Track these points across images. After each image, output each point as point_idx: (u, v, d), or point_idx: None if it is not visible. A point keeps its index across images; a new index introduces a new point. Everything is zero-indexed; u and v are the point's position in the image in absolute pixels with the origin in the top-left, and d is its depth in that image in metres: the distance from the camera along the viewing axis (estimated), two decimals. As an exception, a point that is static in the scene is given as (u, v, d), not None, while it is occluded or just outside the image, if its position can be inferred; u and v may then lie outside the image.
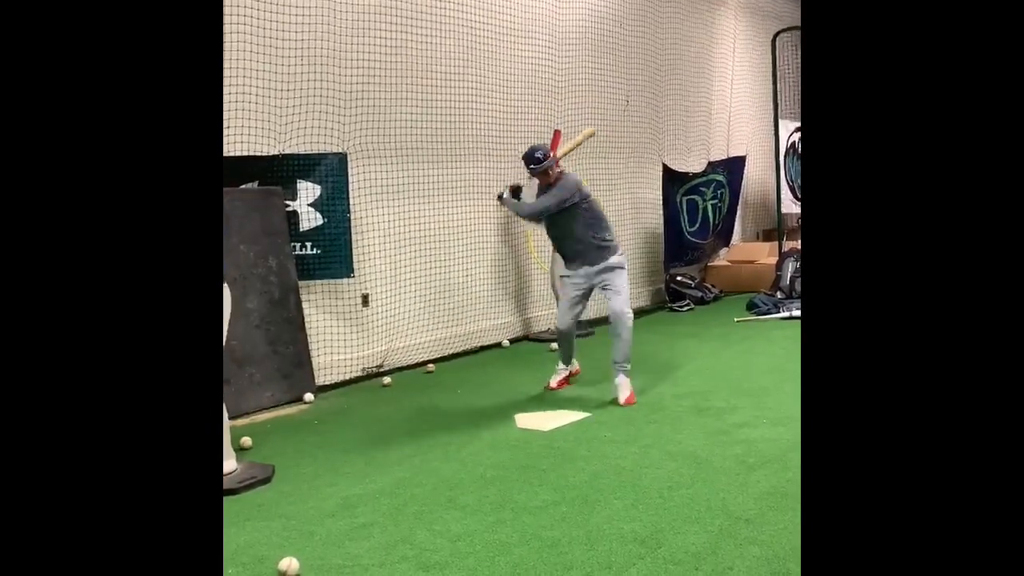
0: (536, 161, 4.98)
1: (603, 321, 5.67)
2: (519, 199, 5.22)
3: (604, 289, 5.00)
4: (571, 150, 5.79)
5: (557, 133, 6.35)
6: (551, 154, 5.05)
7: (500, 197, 5.31)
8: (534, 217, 5.14)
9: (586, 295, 5.11)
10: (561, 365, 5.37)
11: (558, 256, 5.58)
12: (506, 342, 7.01)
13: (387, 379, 5.80)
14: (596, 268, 4.97)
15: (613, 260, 4.96)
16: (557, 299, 5.38)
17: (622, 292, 4.95)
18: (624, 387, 4.86)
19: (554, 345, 5.84)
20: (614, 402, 4.81)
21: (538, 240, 7.07)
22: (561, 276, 5.24)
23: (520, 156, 5.20)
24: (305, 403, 5.28)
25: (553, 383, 5.32)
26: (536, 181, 5.18)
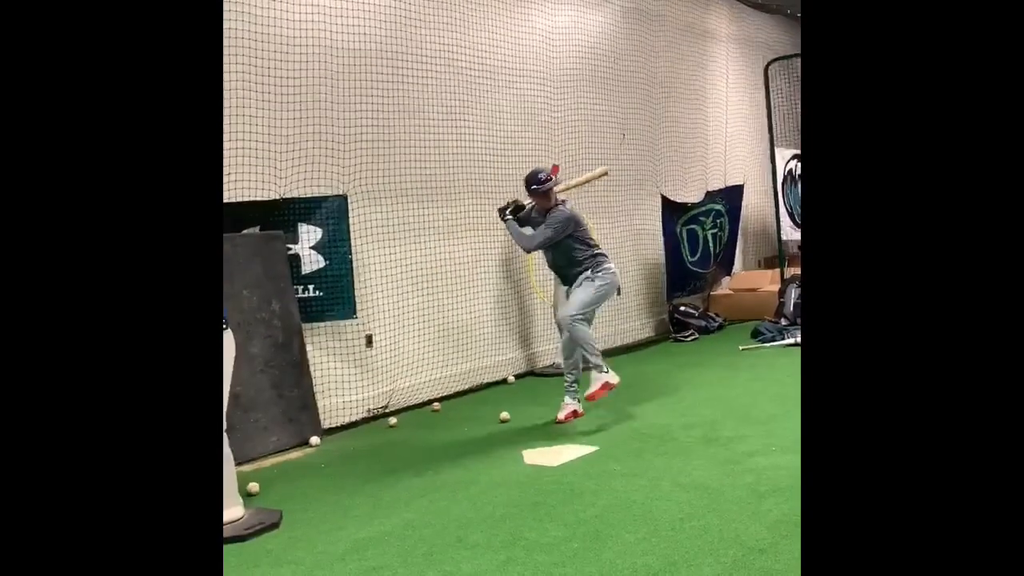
0: (538, 183, 5.19)
1: (610, 352, 5.66)
2: (521, 219, 5.37)
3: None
4: (580, 184, 5.84)
5: (555, 168, 6.39)
6: (552, 177, 5.23)
7: (502, 214, 5.41)
8: (531, 250, 5.39)
9: None
10: (567, 399, 5.32)
11: (560, 288, 5.68)
12: (511, 378, 6.98)
13: (393, 419, 5.77)
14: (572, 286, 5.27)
15: (583, 275, 5.21)
16: (560, 331, 5.41)
17: (573, 303, 5.18)
18: (594, 382, 5.18)
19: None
20: (619, 431, 4.79)
21: (539, 274, 7.09)
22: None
23: (521, 188, 5.29)
24: (311, 447, 5.24)
25: (561, 416, 5.28)
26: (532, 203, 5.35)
